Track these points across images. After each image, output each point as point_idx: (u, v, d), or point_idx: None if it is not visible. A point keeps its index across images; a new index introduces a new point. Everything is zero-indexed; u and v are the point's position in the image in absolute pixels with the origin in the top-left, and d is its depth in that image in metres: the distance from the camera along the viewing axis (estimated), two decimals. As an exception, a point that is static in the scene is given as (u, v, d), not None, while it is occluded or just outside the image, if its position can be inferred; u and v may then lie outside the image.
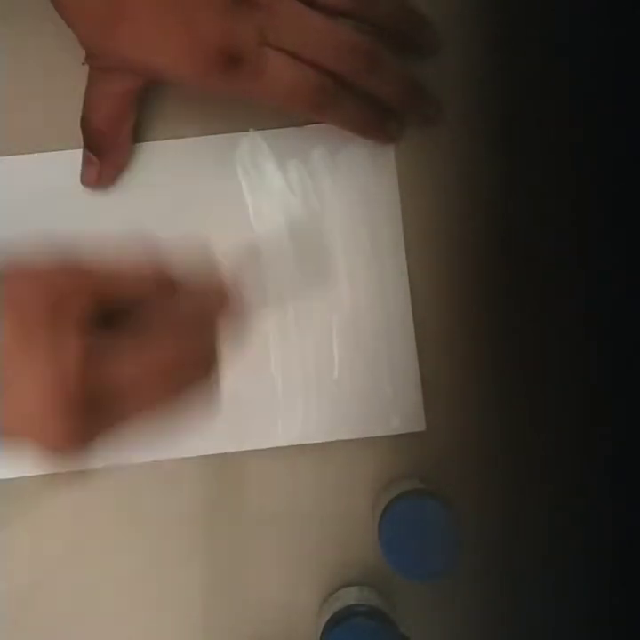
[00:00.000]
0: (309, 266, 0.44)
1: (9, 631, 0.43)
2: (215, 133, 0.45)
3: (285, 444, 0.43)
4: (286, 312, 0.44)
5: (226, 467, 0.43)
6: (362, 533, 0.43)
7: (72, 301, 0.30)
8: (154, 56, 0.38)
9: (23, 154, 0.44)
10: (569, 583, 0.42)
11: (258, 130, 0.45)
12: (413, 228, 0.44)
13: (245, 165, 0.45)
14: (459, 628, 0.43)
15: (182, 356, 0.32)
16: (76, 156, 0.44)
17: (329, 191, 0.45)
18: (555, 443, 0.43)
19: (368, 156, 0.45)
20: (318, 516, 0.44)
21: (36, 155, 0.44)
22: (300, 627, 0.43)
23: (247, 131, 0.45)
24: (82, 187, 0.44)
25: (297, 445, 0.43)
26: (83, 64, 0.41)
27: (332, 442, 0.43)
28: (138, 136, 0.44)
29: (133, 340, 0.31)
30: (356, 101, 0.41)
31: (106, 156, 0.43)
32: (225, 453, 0.43)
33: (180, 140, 0.45)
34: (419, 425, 0.43)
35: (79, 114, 0.42)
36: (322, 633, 0.39)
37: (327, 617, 0.40)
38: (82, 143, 0.43)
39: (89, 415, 0.29)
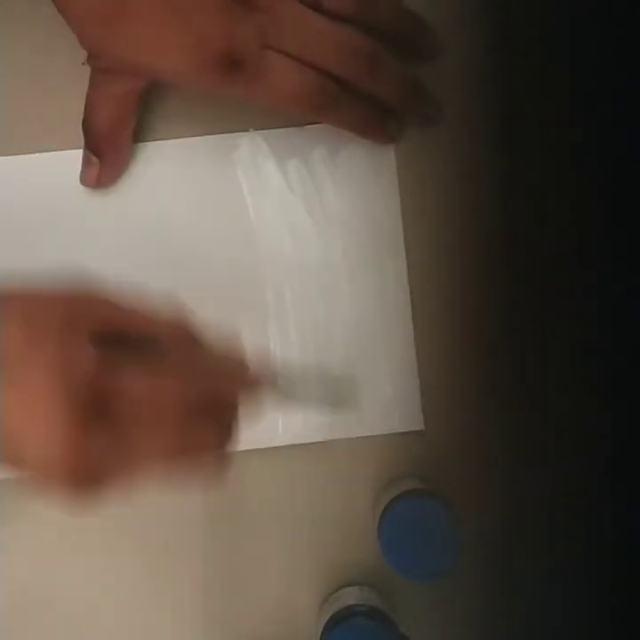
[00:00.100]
0: (309, 266, 0.44)
1: (9, 631, 0.43)
2: (215, 133, 0.45)
3: (285, 444, 0.43)
4: (286, 311, 0.44)
5: (226, 466, 0.44)
6: (362, 533, 0.43)
7: (86, 319, 0.30)
8: (155, 58, 0.38)
9: (23, 154, 0.44)
10: (569, 583, 0.42)
11: (258, 130, 0.45)
12: (413, 228, 0.44)
13: (245, 165, 0.45)
14: (459, 628, 0.43)
15: (198, 400, 0.32)
16: (76, 155, 0.44)
17: (329, 191, 0.45)
18: (555, 443, 0.43)
19: (368, 156, 0.45)
20: (318, 515, 0.43)
21: (36, 155, 0.44)
22: (299, 627, 0.43)
23: (247, 131, 0.45)
24: (82, 187, 0.44)
25: (297, 445, 0.43)
26: (83, 64, 0.41)
27: (331, 441, 0.43)
28: (138, 136, 0.44)
29: (148, 363, 0.31)
30: (356, 102, 0.41)
31: (106, 157, 0.43)
32: (225, 453, 0.43)
33: (180, 139, 0.45)
34: (417, 424, 0.43)
35: (79, 114, 0.42)
36: (322, 633, 0.39)
37: (327, 617, 0.40)
38: (82, 143, 0.43)
39: (97, 426, 0.29)
